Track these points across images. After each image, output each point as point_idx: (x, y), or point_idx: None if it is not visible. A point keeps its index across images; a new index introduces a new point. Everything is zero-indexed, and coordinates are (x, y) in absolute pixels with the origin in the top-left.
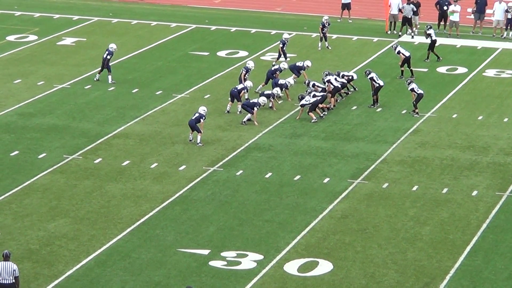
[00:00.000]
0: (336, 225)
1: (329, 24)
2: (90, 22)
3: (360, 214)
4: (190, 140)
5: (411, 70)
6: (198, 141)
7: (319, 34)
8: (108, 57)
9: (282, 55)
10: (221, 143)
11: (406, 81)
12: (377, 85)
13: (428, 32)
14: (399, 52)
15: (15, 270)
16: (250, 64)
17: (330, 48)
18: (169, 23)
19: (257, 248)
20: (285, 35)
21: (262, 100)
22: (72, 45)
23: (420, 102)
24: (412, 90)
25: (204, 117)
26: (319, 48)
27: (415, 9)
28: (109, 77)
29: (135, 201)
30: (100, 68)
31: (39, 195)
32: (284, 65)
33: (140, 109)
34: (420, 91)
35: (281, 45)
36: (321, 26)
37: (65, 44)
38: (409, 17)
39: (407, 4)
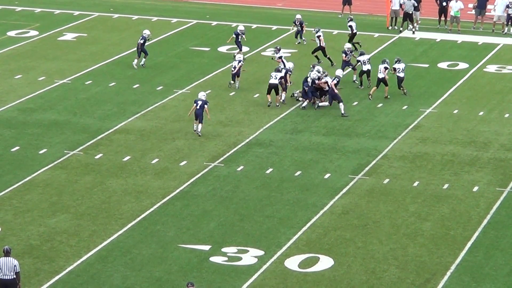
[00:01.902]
0: (337, 221)
1: (301, 24)
2: (91, 18)
3: (361, 209)
4: (195, 130)
5: (329, 58)
6: (199, 129)
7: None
8: (141, 41)
9: (238, 47)
10: (222, 138)
11: (394, 60)
12: (362, 70)
13: (348, 24)
14: (319, 37)
15: (15, 265)
16: (240, 57)
17: (305, 42)
18: (170, 19)
19: (258, 244)
20: (240, 27)
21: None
22: (73, 40)
23: (421, 97)
24: (394, 69)
25: (207, 103)
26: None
27: (416, 4)
28: (143, 59)
29: (136, 196)
30: (137, 55)
31: (40, 190)
32: (239, 57)
33: (141, 104)
34: (399, 74)
35: (233, 36)
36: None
37: (66, 40)
38: (410, 12)
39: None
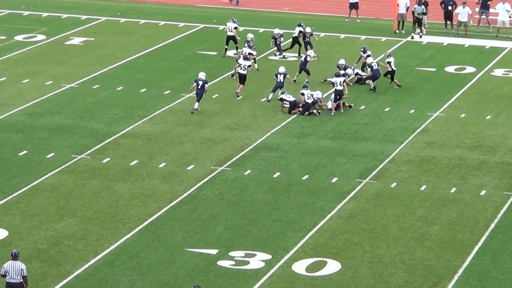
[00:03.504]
0: (344, 224)
1: (281, 36)
2: (98, 22)
3: (368, 213)
4: (196, 109)
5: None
6: (196, 106)
7: (276, 47)
8: (246, 45)
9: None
10: (229, 142)
11: (386, 54)
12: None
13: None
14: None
15: (23, 269)
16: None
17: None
18: (177, 23)
19: (265, 248)
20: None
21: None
22: (80, 44)
23: (428, 101)
24: (388, 63)
25: (207, 82)
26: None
27: (425, 10)
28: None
29: (143, 200)
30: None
31: (47, 194)
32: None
33: (148, 108)
34: (394, 68)
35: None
36: (273, 40)
37: (73, 44)
38: (420, 17)
39: (417, 5)
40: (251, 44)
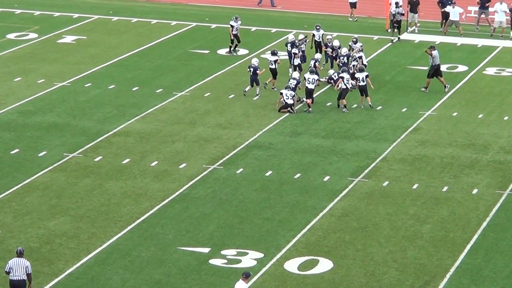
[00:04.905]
0: (336, 223)
1: (300, 44)
2: (90, 20)
3: (360, 212)
4: (247, 92)
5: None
6: (257, 92)
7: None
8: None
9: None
10: (221, 141)
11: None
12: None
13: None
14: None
15: (27, 266)
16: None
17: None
18: (170, 21)
19: (257, 246)
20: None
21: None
22: (72, 43)
23: (421, 100)
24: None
25: (258, 68)
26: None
27: (403, 12)
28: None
29: (135, 199)
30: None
31: (39, 193)
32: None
33: (140, 107)
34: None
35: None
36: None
37: (65, 42)
38: (399, 20)
39: (395, 7)
40: (297, 44)
